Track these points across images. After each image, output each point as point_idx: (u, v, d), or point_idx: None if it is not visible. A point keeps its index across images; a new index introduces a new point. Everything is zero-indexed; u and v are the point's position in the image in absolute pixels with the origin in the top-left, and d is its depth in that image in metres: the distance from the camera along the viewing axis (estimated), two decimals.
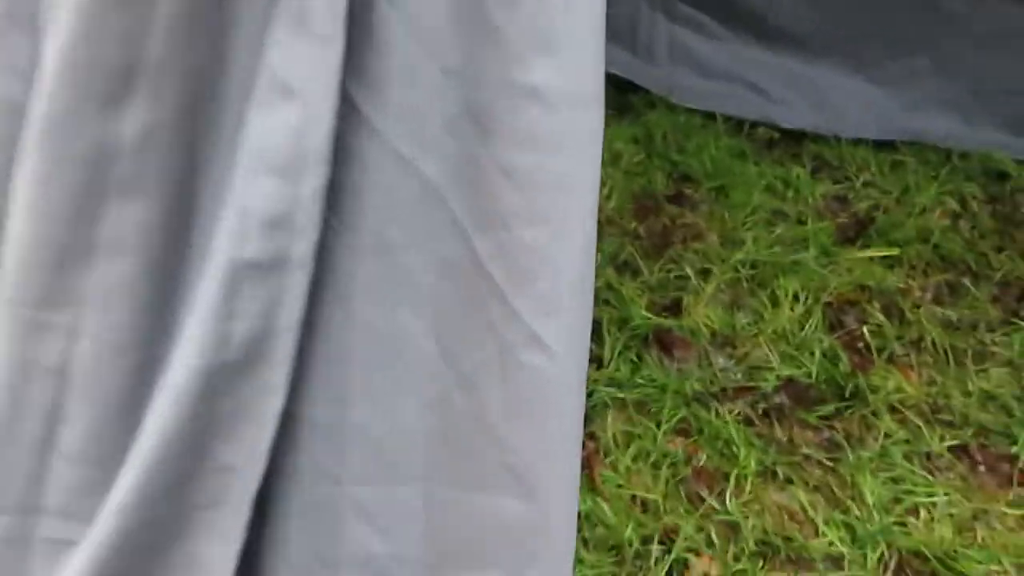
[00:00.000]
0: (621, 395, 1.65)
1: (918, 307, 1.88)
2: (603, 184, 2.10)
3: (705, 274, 1.90)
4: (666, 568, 1.38)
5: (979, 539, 1.50)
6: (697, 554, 1.43)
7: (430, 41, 0.56)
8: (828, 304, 1.86)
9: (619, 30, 2.54)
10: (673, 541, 1.43)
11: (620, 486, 1.51)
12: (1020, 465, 1.63)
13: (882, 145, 2.31)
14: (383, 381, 0.63)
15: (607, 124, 2.03)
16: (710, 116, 2.34)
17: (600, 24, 0.62)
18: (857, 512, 1.53)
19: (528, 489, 0.65)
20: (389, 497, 0.67)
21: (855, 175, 2.20)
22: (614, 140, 2.25)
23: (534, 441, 0.64)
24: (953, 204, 2.10)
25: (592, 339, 1.77)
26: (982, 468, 1.64)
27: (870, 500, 1.55)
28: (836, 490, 1.57)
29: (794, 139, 2.34)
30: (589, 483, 1.50)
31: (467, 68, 0.59)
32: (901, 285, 1.92)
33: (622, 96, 2.40)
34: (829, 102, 2.42)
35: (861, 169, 2.22)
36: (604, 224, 2.05)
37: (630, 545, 1.41)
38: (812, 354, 1.75)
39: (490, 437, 0.64)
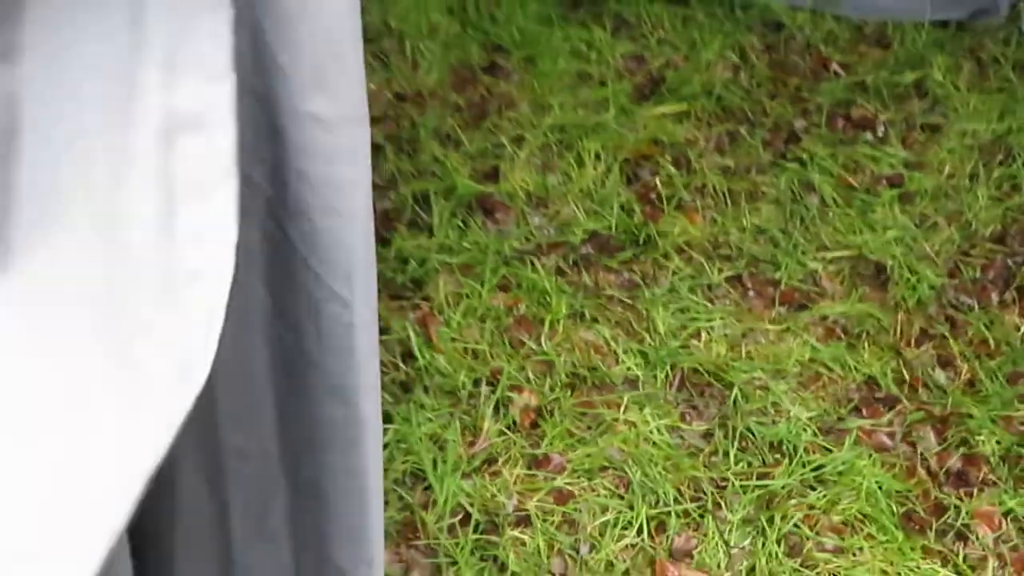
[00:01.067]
0: (450, 260, 1.89)
1: (702, 157, 2.17)
2: (423, 57, 2.28)
3: (519, 141, 2.13)
4: (493, 404, 1.67)
5: (745, 353, 1.86)
6: (519, 390, 1.72)
7: (243, 72, 0.74)
8: (626, 160, 2.12)
9: None
10: (498, 381, 1.72)
11: (453, 340, 1.77)
12: (782, 288, 1.97)
13: (675, 1, 2.54)
14: (235, 326, 0.84)
15: None
16: None
17: (361, 63, 0.81)
18: (650, 341, 1.85)
19: (343, 398, 0.90)
20: (249, 409, 0.92)
21: (650, 33, 2.43)
22: (431, 12, 2.39)
23: (342, 364, 0.88)
24: (734, 57, 2.37)
25: (422, 209, 1.99)
26: (751, 293, 1.98)
27: (662, 329, 1.88)
28: (634, 324, 1.88)
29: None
30: (427, 340, 1.76)
31: (267, 96, 0.78)
32: (689, 137, 2.20)
33: None
34: None
35: (655, 27, 2.44)
36: (427, 97, 2.23)
37: (463, 388, 1.69)
38: (612, 208, 2.02)
39: (311, 363, 0.88)
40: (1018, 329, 1.95)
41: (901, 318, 1.93)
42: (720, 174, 2.14)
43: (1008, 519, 1.66)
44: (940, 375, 1.85)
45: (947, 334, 1.92)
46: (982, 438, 1.74)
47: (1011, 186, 2.18)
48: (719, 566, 1.54)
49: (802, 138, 2.23)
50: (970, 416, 1.77)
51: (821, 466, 1.64)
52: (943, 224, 2.11)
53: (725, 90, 2.30)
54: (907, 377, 1.83)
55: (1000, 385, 1.83)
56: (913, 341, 1.90)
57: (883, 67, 2.40)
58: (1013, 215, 2.14)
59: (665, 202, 2.06)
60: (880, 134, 2.29)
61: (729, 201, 2.10)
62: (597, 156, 2.09)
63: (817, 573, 1.51)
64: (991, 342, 1.92)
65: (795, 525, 1.57)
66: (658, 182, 2.09)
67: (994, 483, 1.69)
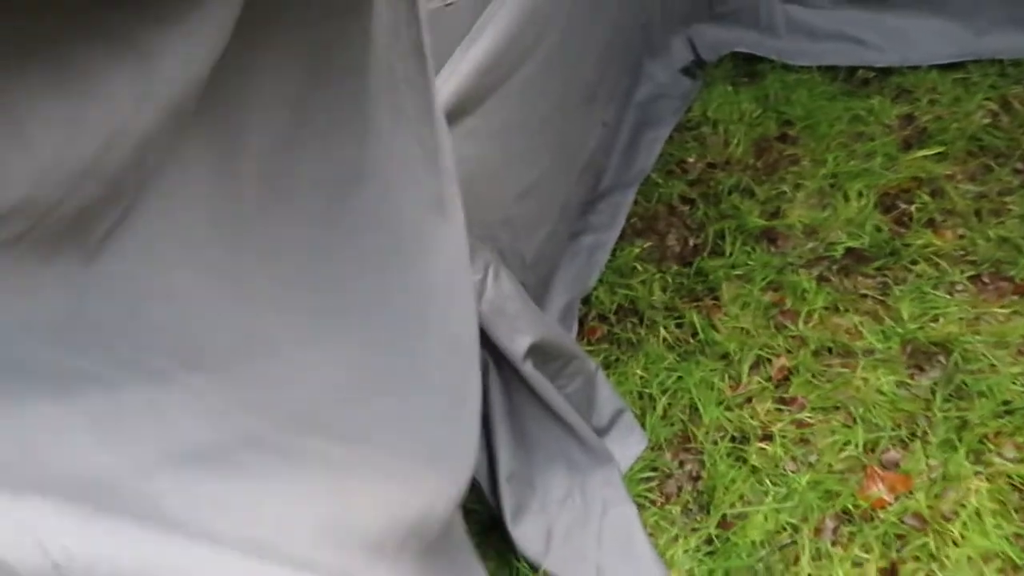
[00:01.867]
0: (735, 272, 2.56)
1: (955, 186, 2.62)
2: (733, 136, 3.00)
3: (798, 187, 2.75)
4: (753, 363, 2.29)
5: (973, 331, 2.28)
6: (777, 356, 2.33)
7: None
8: (885, 194, 2.65)
9: (747, 17, 3.38)
10: (761, 352, 2.34)
11: (729, 320, 2.43)
12: (1016, 282, 2.36)
13: (953, 67, 3.00)
14: None
15: (739, 90, 3.00)
16: (815, 71, 3.14)
17: None
18: (892, 324, 2.36)
19: None
20: None
21: (923, 96, 2.93)
22: (742, 102, 3.11)
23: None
24: (993, 105, 2.79)
25: (720, 242, 2.68)
26: (989, 287, 2.39)
27: (904, 316, 2.37)
28: (880, 312, 2.40)
29: (884, 75, 3.08)
30: (710, 325, 2.43)
31: None
32: (946, 173, 2.67)
33: (751, 67, 3.25)
34: (911, 40, 3.13)
35: (929, 90, 2.94)
36: (733, 163, 2.93)
37: (734, 354, 2.34)
38: (867, 229, 2.56)
39: None
40: None
41: None
42: (970, 199, 2.58)
43: None
44: None
45: None
46: None
47: None
48: (919, 473, 2.01)
49: None
50: None
51: (1009, 401, 2.05)
52: None
53: (984, 132, 2.73)
54: None
55: None
56: None
57: None
58: None
59: (916, 223, 2.56)
60: None
61: (977, 219, 2.53)
62: (860, 193, 2.65)
63: (992, 472, 1.93)
64: None
65: (980, 442, 2.00)
66: (913, 209, 2.60)
67: None
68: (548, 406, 2.02)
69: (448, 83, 1.99)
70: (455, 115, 2.02)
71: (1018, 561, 1.80)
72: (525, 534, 1.95)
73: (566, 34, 2.49)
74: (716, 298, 2.52)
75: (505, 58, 2.18)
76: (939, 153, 2.73)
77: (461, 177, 2.05)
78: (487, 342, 1.99)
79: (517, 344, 1.94)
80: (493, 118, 2.17)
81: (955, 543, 1.86)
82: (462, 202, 1.88)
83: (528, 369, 1.96)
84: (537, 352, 1.98)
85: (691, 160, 2.96)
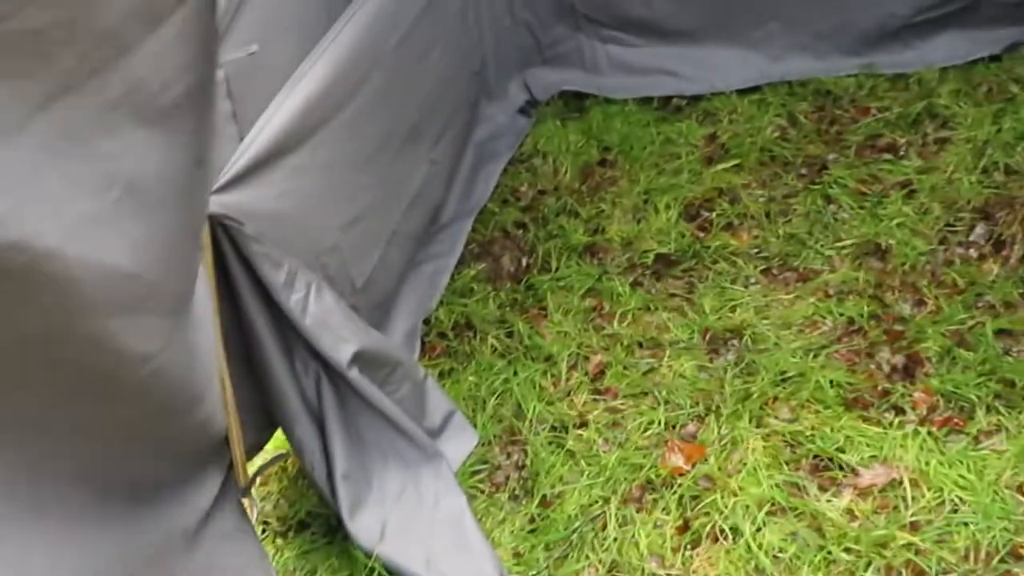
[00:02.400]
0: (560, 284, 2.82)
1: (751, 193, 2.94)
2: (560, 164, 3.28)
3: (617, 205, 3.04)
4: (572, 362, 2.54)
5: (763, 316, 2.57)
6: (594, 354, 2.58)
7: None
8: (690, 205, 2.95)
9: (574, 58, 3.70)
10: (580, 351, 2.59)
11: (553, 326, 2.67)
12: (800, 271, 2.67)
13: (751, 90, 3.35)
14: None
15: (567, 124, 3.31)
16: (634, 102, 3.45)
17: None
18: (695, 317, 2.63)
19: None
20: None
21: (725, 117, 3.26)
22: (569, 134, 3.41)
23: None
24: (782, 121, 3.13)
25: (548, 256, 2.93)
26: (778, 278, 2.69)
27: (707, 309, 2.65)
28: (687, 309, 2.67)
29: (695, 101, 3.41)
30: (536, 332, 2.68)
31: None
32: (742, 183, 2.99)
33: (578, 103, 3.56)
34: (716, 69, 3.48)
35: (730, 112, 3.28)
36: (560, 188, 3.21)
37: (556, 354, 2.58)
38: (674, 236, 2.85)
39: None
40: (991, 273, 2.49)
41: (886, 278, 2.56)
42: (762, 203, 2.89)
43: (940, 397, 2.22)
44: (907, 309, 2.45)
45: (927, 283, 2.51)
46: (928, 344, 2.33)
47: (995, 170, 2.73)
48: (712, 441, 2.27)
49: (830, 168, 2.93)
50: (922, 331, 2.36)
51: (785, 371, 2.33)
52: (937, 208, 2.70)
53: (773, 144, 3.07)
54: (881, 315, 2.45)
55: (958, 310, 2.40)
56: (895, 291, 2.52)
57: (905, 103, 3.04)
58: (993, 191, 2.68)
59: (716, 227, 2.86)
60: (901, 153, 2.92)
61: (768, 220, 2.84)
62: (668, 206, 2.95)
63: (768, 432, 2.21)
64: (960, 283, 2.48)
65: (760, 408, 2.27)
66: (714, 215, 2.90)
67: (933, 374, 2.27)
68: (378, 409, 2.23)
69: (272, 123, 2.22)
70: (281, 152, 2.25)
71: (784, 503, 2.06)
72: (361, 527, 2.15)
73: (389, 79, 2.74)
74: (543, 308, 2.77)
75: (327, 100, 2.42)
76: (736, 165, 3.05)
77: (290, 209, 2.29)
78: (316, 354, 2.20)
79: (342, 353, 2.15)
80: (319, 153, 2.39)
81: (735, 494, 2.11)
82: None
83: (354, 375, 2.17)
84: (362, 360, 2.20)
85: (523, 189, 3.23)
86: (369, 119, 2.61)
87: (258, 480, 2.38)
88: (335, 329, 2.15)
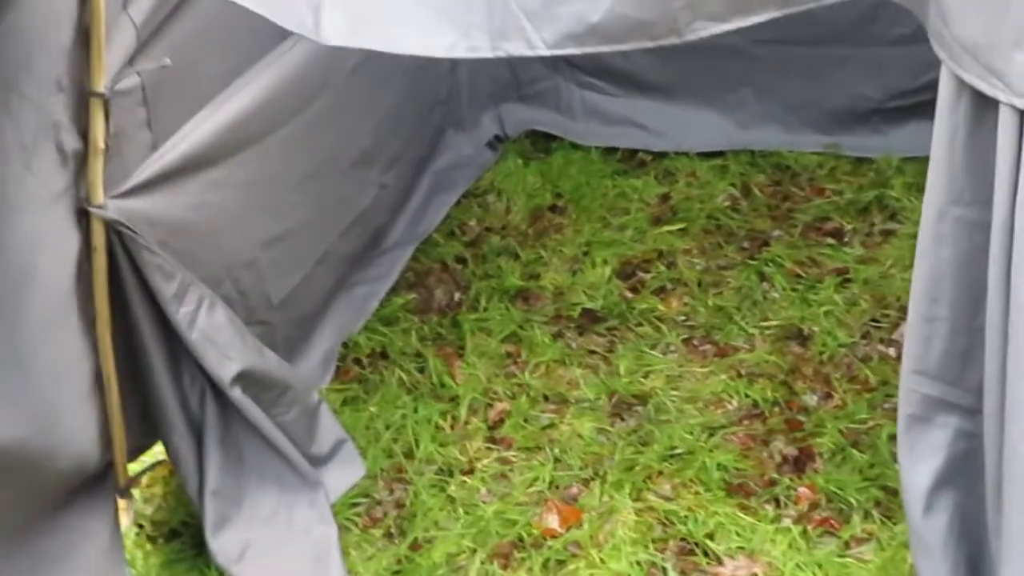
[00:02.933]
0: (483, 325, 2.80)
1: (689, 259, 2.92)
2: (513, 204, 3.27)
3: (557, 253, 3.02)
4: (475, 406, 2.52)
5: (674, 386, 2.55)
6: (499, 401, 2.56)
7: None
8: (628, 263, 2.93)
9: (549, 99, 3.70)
10: (485, 397, 2.57)
11: (467, 367, 2.66)
12: (720, 346, 2.65)
13: (716, 154, 3.33)
14: None
15: (529, 163, 3.31)
16: (598, 151, 3.45)
17: None
18: (608, 377, 2.61)
19: None
20: None
21: (683, 178, 3.24)
22: (528, 174, 3.40)
23: None
24: (735, 191, 3.12)
25: (480, 295, 2.92)
26: (698, 349, 2.67)
27: (621, 371, 2.63)
28: (601, 368, 2.66)
29: (659, 158, 3.40)
30: (448, 371, 2.66)
31: None
32: (684, 247, 2.97)
33: (546, 144, 3.55)
34: (685, 129, 3.46)
35: (689, 174, 3.26)
36: (507, 228, 3.20)
37: (461, 396, 2.56)
38: (605, 293, 2.83)
39: None
40: None
41: (802, 365, 2.53)
42: (697, 271, 2.88)
43: (824, 495, 2.19)
44: (813, 400, 2.43)
45: (840, 376, 2.49)
46: (823, 439, 2.30)
47: None
48: (590, 507, 2.25)
49: (772, 245, 2.91)
50: (822, 425, 2.33)
51: (676, 447, 2.31)
52: (867, 301, 2.68)
53: (722, 213, 3.05)
54: (786, 403, 2.43)
55: (862, 408, 2.37)
56: (807, 380, 2.49)
57: (859, 189, 3.02)
58: None
59: (647, 289, 2.84)
60: (845, 240, 2.90)
61: (700, 289, 2.82)
62: (605, 261, 2.94)
63: (643, 507, 2.19)
64: (872, 381, 2.45)
65: (644, 481, 2.25)
66: (648, 277, 2.88)
67: (822, 471, 2.24)
68: (259, 430, 2.22)
69: (193, 134, 2.22)
70: (200, 164, 2.25)
71: None
72: (222, 545, 2.14)
73: (340, 102, 2.75)
74: (462, 347, 2.76)
75: (262, 117, 2.42)
76: (681, 229, 3.03)
77: (201, 220, 2.29)
78: (203, 368, 2.20)
79: (225, 371, 2.15)
80: (243, 170, 2.40)
81: (596, 566, 2.09)
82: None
83: (236, 395, 2.17)
84: (247, 380, 2.19)
85: (472, 223, 3.22)
86: (311, 140, 2.62)
87: (143, 481, 2.38)
88: (222, 346, 2.14)
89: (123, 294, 2.06)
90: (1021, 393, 1.44)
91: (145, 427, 2.25)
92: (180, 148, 2.15)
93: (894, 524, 2.09)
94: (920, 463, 1.70)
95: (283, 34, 2.48)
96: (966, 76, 1.42)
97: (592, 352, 2.72)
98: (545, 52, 1.70)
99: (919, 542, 1.71)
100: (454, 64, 3.45)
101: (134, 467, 2.32)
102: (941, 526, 1.68)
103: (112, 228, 1.98)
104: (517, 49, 1.68)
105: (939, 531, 1.68)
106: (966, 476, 1.67)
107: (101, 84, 1.89)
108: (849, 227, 2.94)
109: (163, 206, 2.12)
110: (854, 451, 2.27)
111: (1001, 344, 1.46)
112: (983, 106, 1.42)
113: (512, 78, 3.70)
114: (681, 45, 2.15)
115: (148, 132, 2.13)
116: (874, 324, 2.62)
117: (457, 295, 2.96)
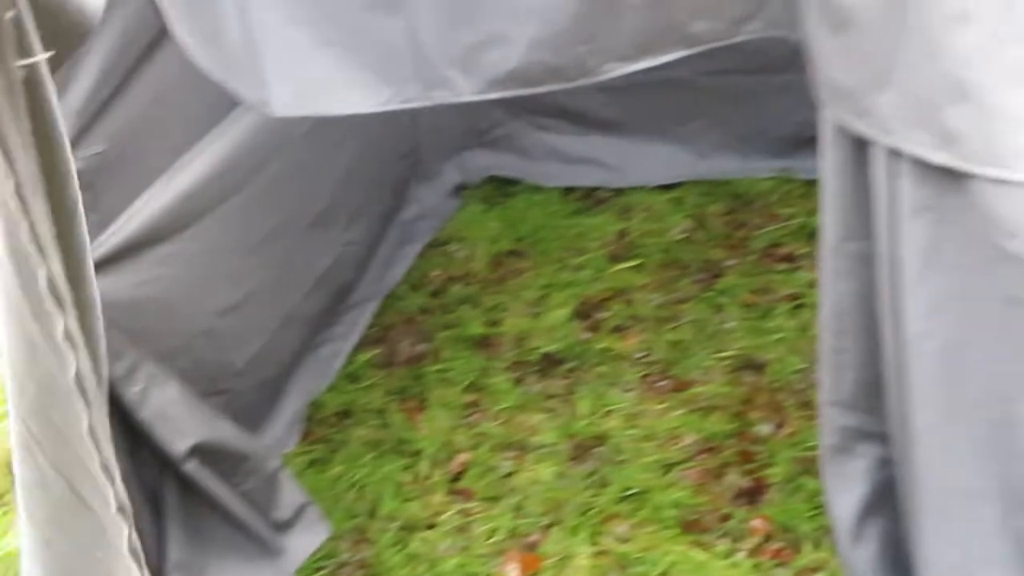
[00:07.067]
0: (446, 376, 2.84)
1: (646, 295, 2.95)
2: (475, 251, 3.31)
3: (518, 298, 3.06)
4: (438, 459, 2.55)
5: (633, 424, 2.57)
6: (460, 452, 2.59)
7: None
8: (585, 303, 2.96)
9: (508, 143, 3.75)
10: (447, 448, 2.60)
11: (427, 421, 2.68)
12: (677, 380, 2.67)
13: (672, 187, 3.37)
14: None
15: (491, 209, 3.35)
16: (560, 191, 3.49)
17: None
18: (568, 421, 2.63)
19: None
20: None
21: (640, 213, 3.28)
22: (490, 220, 3.45)
23: None
24: (689, 222, 3.15)
25: (443, 345, 2.94)
26: (656, 385, 2.69)
27: (580, 413, 2.65)
28: (562, 411, 2.68)
29: (618, 194, 3.44)
30: (411, 425, 2.69)
31: None
32: (641, 283, 3.00)
33: (507, 188, 3.60)
34: (643, 163, 3.50)
35: (646, 208, 3.30)
36: (470, 276, 3.24)
37: (424, 450, 2.59)
38: (565, 335, 2.86)
39: None
40: None
41: (757, 394, 2.55)
42: (654, 306, 2.90)
43: (777, 526, 2.20)
44: (766, 429, 2.44)
45: (793, 403, 2.50)
46: (777, 469, 2.31)
47: None
48: (550, 554, 2.27)
49: (727, 274, 2.94)
50: (775, 454, 2.35)
51: (631, 487, 2.33)
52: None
53: (676, 246, 3.08)
54: (740, 434, 2.44)
55: (813, 434, 2.37)
56: (761, 409, 2.51)
57: (810, 212, 3.04)
58: None
59: (605, 328, 2.87)
60: (797, 265, 2.92)
61: (656, 324, 2.85)
62: (564, 302, 2.97)
63: (598, 551, 2.20)
64: None
65: (600, 523, 2.26)
66: (606, 315, 2.91)
67: (774, 502, 2.25)
68: (218, 502, 2.26)
69: (140, 214, 2.28)
70: (149, 241, 2.31)
71: None
72: None
73: (295, 164, 2.81)
74: (424, 400, 2.79)
75: (212, 188, 2.47)
76: (638, 265, 3.07)
77: (152, 297, 2.34)
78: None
79: (178, 445, 2.18)
80: (196, 241, 2.44)
81: None
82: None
83: (192, 468, 2.20)
84: (203, 452, 2.23)
85: (435, 273, 3.26)
86: (266, 205, 2.67)
87: None
88: (175, 421, 2.18)
89: None
90: (922, 422, 1.46)
91: None
92: (128, 227, 2.20)
93: None
94: (845, 494, 1.72)
95: (231, 105, 2.58)
96: (841, 117, 1.46)
97: (552, 396, 2.75)
98: (470, 97, 1.87)
99: (851, 574, 1.73)
100: (414, 116, 3.51)
101: None
102: (870, 556, 1.70)
103: None
104: (444, 97, 1.86)
105: (869, 561, 1.70)
106: (891, 504, 1.68)
107: None
108: (800, 252, 2.96)
109: (112, 287, 2.15)
110: (805, 479, 2.28)
111: (898, 375, 1.48)
112: (860, 145, 1.46)
113: (472, 126, 3.76)
114: (630, 80, 2.25)
115: (94, 215, 2.19)
116: None
117: (421, 347, 3.00)
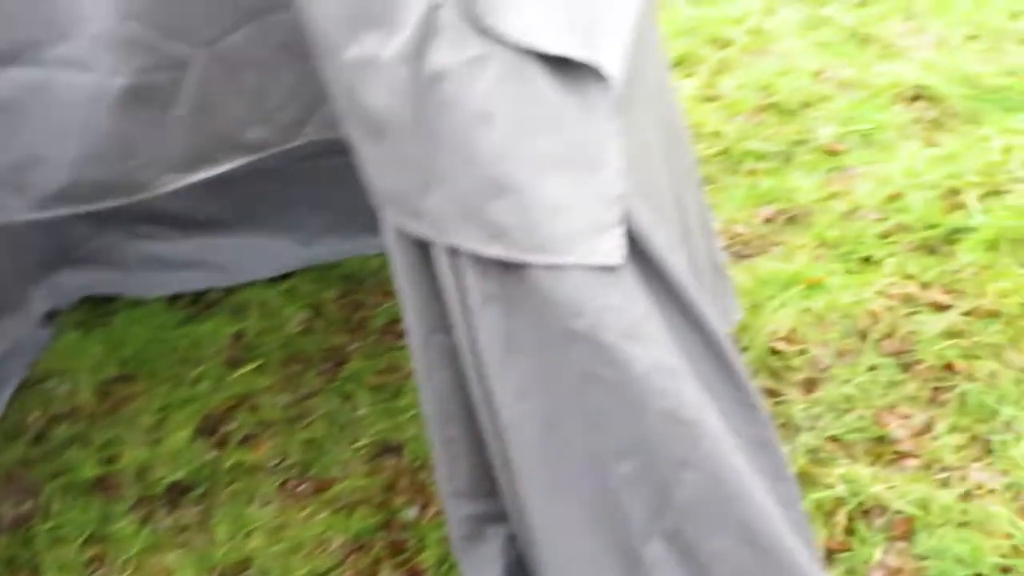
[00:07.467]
0: (60, 533, 2.53)
1: (272, 397, 2.83)
2: (78, 384, 2.99)
3: (134, 426, 2.81)
4: None
5: (278, 540, 2.43)
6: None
7: None
8: (208, 417, 2.79)
9: (103, 257, 3.46)
10: None
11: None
12: (317, 480, 2.57)
13: (285, 278, 3.28)
14: None
15: (90, 333, 2.96)
16: (164, 302, 3.27)
17: None
18: (207, 551, 2.44)
19: None
20: None
21: (254, 311, 3.16)
22: (90, 346, 3.15)
23: None
24: (305, 313, 3.08)
25: (52, 498, 2.57)
26: (298, 490, 2.57)
27: (220, 539, 2.47)
28: (200, 542, 2.47)
29: (228, 295, 3.29)
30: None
31: None
32: (266, 385, 2.87)
33: (106, 307, 3.31)
34: (249, 258, 3.38)
35: (260, 305, 3.18)
36: (76, 412, 2.93)
37: None
38: (191, 459, 2.67)
39: None
40: None
41: (398, 479, 2.52)
42: (282, 407, 2.79)
43: None
44: (412, 513, 2.41)
45: (433, 481, 2.49)
46: (428, 553, 2.29)
47: None
48: None
49: (351, 360, 2.90)
50: (424, 538, 2.32)
51: None
52: None
53: (296, 339, 3.00)
54: (387, 525, 2.40)
55: None
56: (404, 494, 2.48)
57: None
58: None
59: (233, 441, 2.71)
60: None
61: (288, 426, 2.74)
62: (184, 422, 2.77)
63: None
64: None
65: None
66: (233, 427, 2.75)
67: None
68: None
69: None
70: None
71: None
72: None
73: None
74: (36, 567, 2.46)
75: None
76: (259, 367, 2.94)
77: None
78: None
79: None
80: None
81: None
82: None
83: None
84: None
85: (34, 417, 2.91)
86: None
87: None
88: None
89: None
90: (533, 500, 1.48)
91: None
92: None
93: None
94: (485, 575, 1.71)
95: None
96: (397, 220, 1.45)
97: (185, 528, 2.52)
98: (24, 217, 1.91)
99: None
100: None
101: None
102: None
103: None
104: None
105: None
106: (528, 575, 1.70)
107: None
108: None
109: None
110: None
111: (503, 458, 1.49)
112: (422, 244, 1.46)
113: (58, 244, 3.43)
114: (221, 177, 2.14)
115: None
116: None
117: (27, 505, 2.64)
